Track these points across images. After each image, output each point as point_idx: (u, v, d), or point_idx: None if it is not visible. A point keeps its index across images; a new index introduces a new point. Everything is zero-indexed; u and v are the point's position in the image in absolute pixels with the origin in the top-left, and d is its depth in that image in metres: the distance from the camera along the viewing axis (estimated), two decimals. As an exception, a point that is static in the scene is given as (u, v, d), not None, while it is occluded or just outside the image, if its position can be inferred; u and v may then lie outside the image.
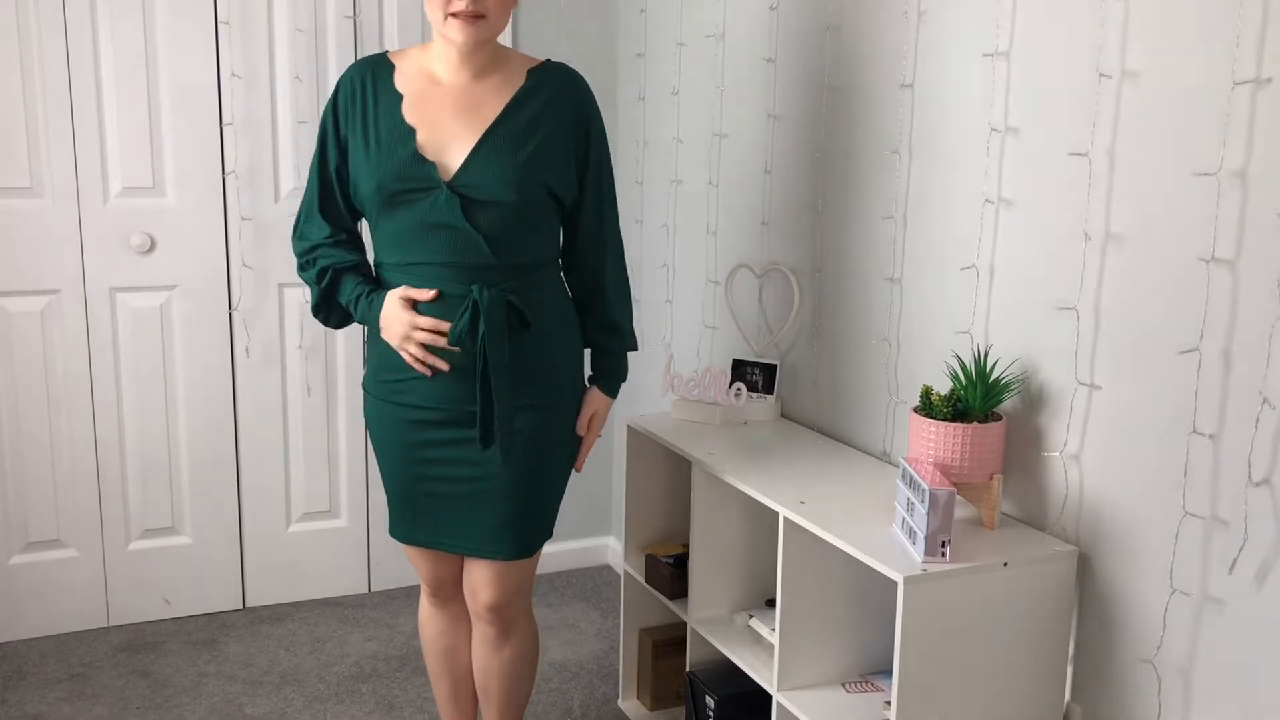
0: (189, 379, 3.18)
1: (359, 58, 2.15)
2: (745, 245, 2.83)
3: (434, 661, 2.34)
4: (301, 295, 3.23)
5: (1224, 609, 1.67)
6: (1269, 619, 1.60)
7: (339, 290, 2.10)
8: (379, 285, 2.07)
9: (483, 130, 1.99)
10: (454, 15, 1.93)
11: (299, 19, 3.11)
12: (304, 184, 3.40)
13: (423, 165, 1.96)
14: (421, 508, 2.11)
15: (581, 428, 2.18)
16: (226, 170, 3.12)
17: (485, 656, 2.24)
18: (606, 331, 2.19)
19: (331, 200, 2.09)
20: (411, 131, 1.99)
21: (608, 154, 2.15)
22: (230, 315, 3.19)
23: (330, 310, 2.15)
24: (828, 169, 2.50)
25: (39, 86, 2.92)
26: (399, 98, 2.02)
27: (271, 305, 3.23)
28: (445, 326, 1.97)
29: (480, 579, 2.14)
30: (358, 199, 2.06)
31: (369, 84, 2.04)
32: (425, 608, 2.31)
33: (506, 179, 1.97)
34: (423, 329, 1.97)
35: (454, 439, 2.04)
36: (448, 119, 2.00)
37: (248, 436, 3.27)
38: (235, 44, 3.07)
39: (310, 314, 3.21)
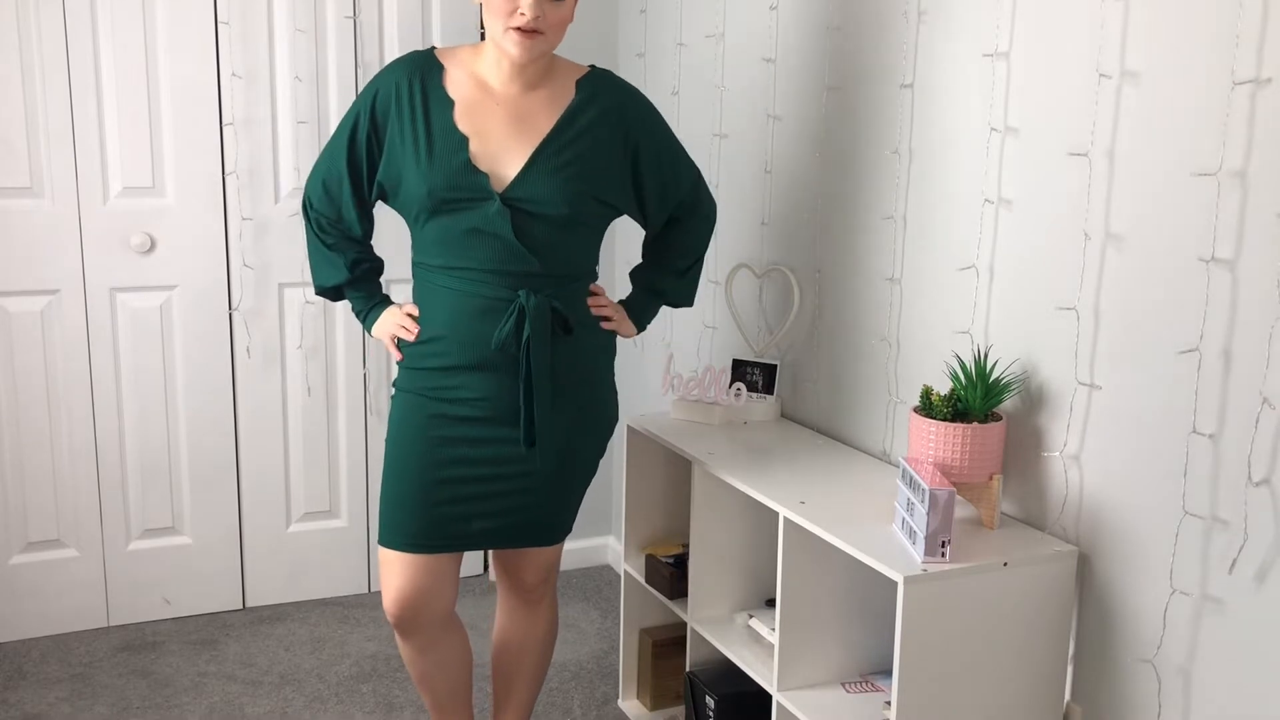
0: (189, 379, 3.18)
1: (402, 53, 2.13)
2: (745, 245, 2.83)
3: (415, 680, 2.32)
4: (302, 295, 3.23)
5: (1224, 609, 1.67)
6: (1269, 619, 1.60)
7: (360, 285, 2.20)
8: (381, 297, 2.22)
9: (535, 144, 2.02)
10: (514, 28, 1.95)
11: (299, 19, 3.11)
12: (304, 184, 3.38)
13: (475, 175, 1.99)
14: (438, 515, 2.08)
15: (604, 307, 2.21)
16: (226, 170, 3.12)
17: (520, 632, 2.34)
18: (662, 274, 2.29)
19: (360, 190, 2.11)
20: (464, 140, 2.01)
21: (671, 145, 2.19)
22: (230, 315, 3.19)
23: (330, 273, 2.20)
24: (828, 169, 2.50)
25: (39, 86, 2.92)
26: (450, 103, 2.03)
27: (271, 305, 3.22)
28: (415, 330, 2.10)
29: (525, 563, 2.26)
30: (403, 201, 2.07)
31: (416, 86, 2.04)
32: (398, 640, 2.26)
33: (560, 194, 2.01)
34: (403, 326, 2.12)
35: (493, 437, 2.08)
36: (500, 130, 2.03)
37: (248, 436, 3.27)
38: (235, 44, 3.07)
39: (309, 313, 3.26)
